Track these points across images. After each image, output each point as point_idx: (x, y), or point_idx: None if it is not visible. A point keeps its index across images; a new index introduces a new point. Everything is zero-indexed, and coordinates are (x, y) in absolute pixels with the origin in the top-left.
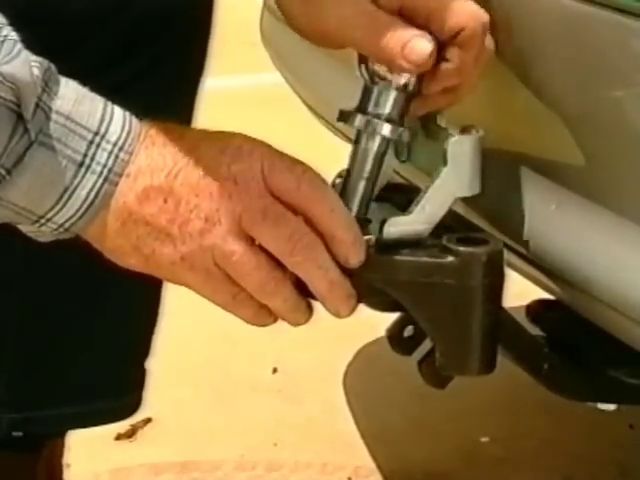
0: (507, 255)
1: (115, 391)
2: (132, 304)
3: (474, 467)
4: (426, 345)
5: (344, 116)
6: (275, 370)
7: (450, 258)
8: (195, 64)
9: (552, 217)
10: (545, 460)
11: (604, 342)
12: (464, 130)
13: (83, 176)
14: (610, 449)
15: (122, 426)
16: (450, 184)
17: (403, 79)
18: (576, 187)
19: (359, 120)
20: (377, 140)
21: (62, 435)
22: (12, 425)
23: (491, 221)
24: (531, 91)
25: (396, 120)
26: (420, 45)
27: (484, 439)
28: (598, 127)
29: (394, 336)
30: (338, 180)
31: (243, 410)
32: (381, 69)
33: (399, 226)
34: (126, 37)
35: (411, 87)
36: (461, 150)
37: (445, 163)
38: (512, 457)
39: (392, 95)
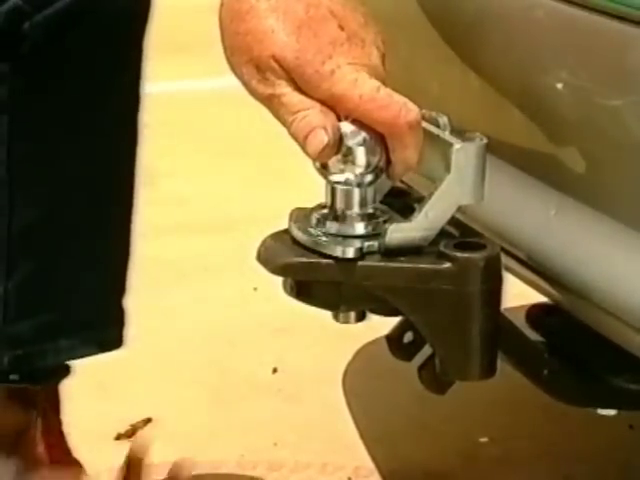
0: (507, 260)
1: (105, 322)
2: (120, 235)
3: (473, 467)
4: (426, 351)
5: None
6: (275, 370)
7: (447, 264)
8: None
9: (552, 223)
10: (544, 460)
11: (604, 348)
12: (468, 137)
13: None
14: (610, 449)
15: (122, 426)
16: (453, 192)
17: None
18: (575, 193)
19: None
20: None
21: (56, 381)
22: (11, 361)
23: (491, 226)
24: (531, 98)
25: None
26: (317, 137)
27: (483, 439)
28: (597, 134)
29: (394, 342)
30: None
31: (243, 410)
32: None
33: (402, 232)
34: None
35: (367, 180)
36: (465, 157)
37: (449, 170)
38: (511, 457)
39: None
